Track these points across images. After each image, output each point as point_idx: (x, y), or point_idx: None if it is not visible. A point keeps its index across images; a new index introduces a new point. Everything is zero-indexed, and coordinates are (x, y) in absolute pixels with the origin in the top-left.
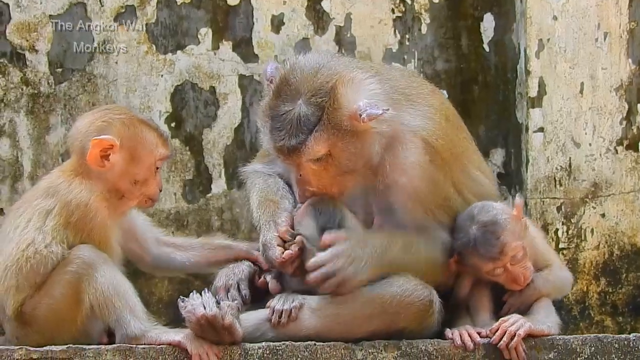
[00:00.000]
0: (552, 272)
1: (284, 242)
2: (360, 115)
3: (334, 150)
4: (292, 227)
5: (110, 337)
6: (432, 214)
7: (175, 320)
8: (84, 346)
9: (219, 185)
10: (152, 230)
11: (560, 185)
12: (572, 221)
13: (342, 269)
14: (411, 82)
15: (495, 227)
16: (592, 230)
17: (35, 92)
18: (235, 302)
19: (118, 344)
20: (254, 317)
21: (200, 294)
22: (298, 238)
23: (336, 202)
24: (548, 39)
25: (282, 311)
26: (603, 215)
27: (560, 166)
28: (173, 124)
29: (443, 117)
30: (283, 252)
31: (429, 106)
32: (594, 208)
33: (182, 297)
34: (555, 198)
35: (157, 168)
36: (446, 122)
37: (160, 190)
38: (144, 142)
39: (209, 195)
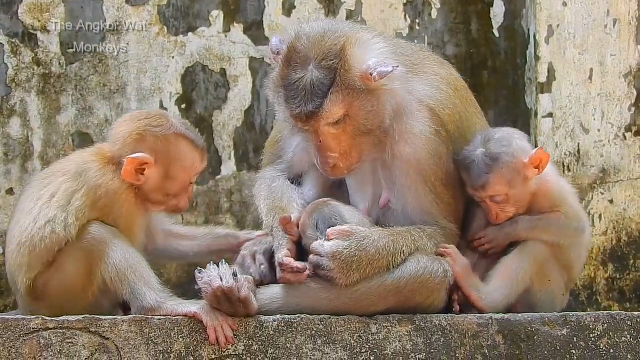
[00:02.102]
0: (548, 219)
1: (295, 244)
2: (372, 74)
3: (351, 111)
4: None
5: (126, 311)
6: (432, 186)
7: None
8: (100, 316)
9: (228, 167)
10: (164, 223)
11: (569, 170)
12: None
13: (333, 269)
14: (417, 51)
15: (492, 163)
16: (600, 216)
17: (47, 72)
18: (263, 268)
19: (134, 315)
20: (270, 292)
21: (218, 265)
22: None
23: (334, 205)
24: (558, 25)
25: (295, 267)
26: (611, 201)
27: (569, 152)
28: (183, 106)
29: (451, 87)
30: (285, 257)
31: (436, 74)
32: (602, 194)
33: (199, 268)
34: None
35: (191, 183)
36: (454, 92)
37: (190, 200)
38: (180, 160)
39: (219, 177)
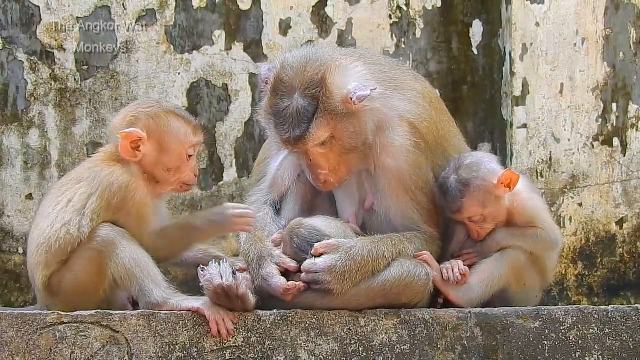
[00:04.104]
0: (526, 231)
1: (283, 273)
2: (351, 99)
3: (336, 132)
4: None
5: (135, 306)
6: (413, 194)
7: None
8: (111, 311)
9: (230, 174)
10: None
11: (542, 176)
12: (552, 210)
13: (330, 282)
14: (395, 67)
15: (464, 188)
16: (570, 218)
17: (63, 87)
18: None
19: (142, 310)
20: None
21: (219, 263)
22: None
23: (308, 223)
24: (531, 44)
25: (299, 288)
26: (580, 205)
27: (542, 159)
28: None
29: (427, 100)
30: (287, 282)
31: (413, 90)
32: (572, 198)
33: (201, 266)
34: (537, 188)
35: (190, 155)
36: (430, 105)
37: (196, 176)
38: (171, 132)
39: (221, 183)
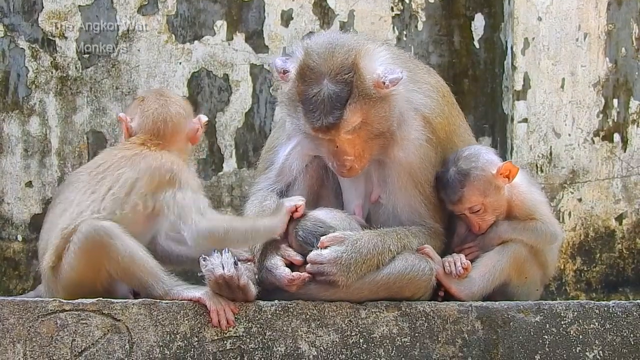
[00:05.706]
0: (526, 224)
1: (288, 265)
2: (384, 83)
3: (367, 117)
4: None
5: (136, 295)
6: (422, 188)
7: None
8: (112, 300)
9: (230, 164)
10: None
11: (542, 171)
12: (552, 205)
13: (336, 273)
14: (408, 59)
15: (464, 178)
16: (569, 214)
17: (64, 75)
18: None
19: (143, 299)
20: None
21: (221, 253)
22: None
23: (312, 215)
24: (533, 38)
25: (304, 278)
26: (580, 200)
27: (542, 154)
28: None
29: (440, 94)
30: (291, 273)
31: (427, 83)
32: (572, 193)
33: (203, 256)
34: (536, 182)
35: None
36: (443, 99)
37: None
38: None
39: (221, 173)
